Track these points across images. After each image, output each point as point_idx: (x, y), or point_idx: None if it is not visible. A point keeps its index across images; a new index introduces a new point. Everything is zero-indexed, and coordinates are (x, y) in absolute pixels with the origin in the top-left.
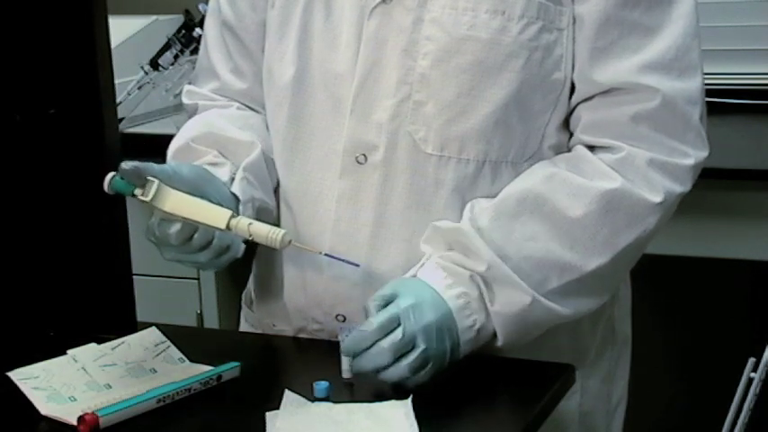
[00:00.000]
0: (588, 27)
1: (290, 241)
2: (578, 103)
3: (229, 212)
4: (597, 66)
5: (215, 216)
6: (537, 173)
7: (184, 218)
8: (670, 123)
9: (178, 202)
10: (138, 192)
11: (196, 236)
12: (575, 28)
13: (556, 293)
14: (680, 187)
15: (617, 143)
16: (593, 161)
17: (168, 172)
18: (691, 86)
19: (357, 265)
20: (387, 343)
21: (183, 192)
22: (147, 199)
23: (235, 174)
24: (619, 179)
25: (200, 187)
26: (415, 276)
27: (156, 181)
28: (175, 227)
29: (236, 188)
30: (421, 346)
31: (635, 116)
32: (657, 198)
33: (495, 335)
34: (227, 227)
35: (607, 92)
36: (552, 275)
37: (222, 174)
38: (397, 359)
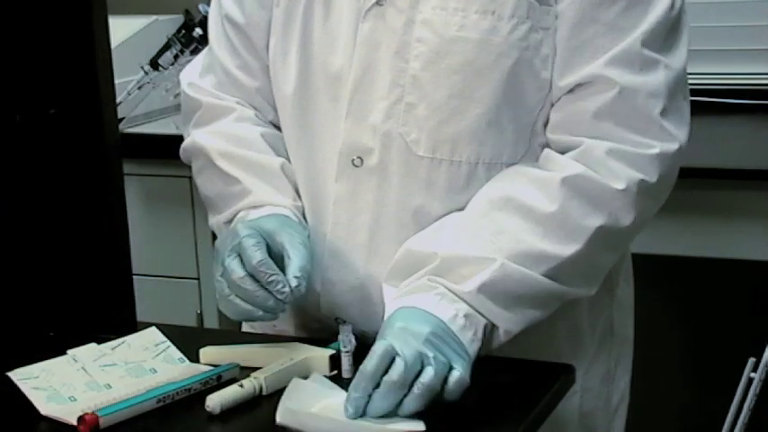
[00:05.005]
0: (564, 25)
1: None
2: (551, 105)
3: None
4: (568, 65)
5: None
6: (502, 175)
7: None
8: (631, 116)
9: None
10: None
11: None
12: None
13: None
14: (641, 175)
15: (577, 139)
16: (558, 159)
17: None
18: (653, 80)
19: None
20: (395, 374)
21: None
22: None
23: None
24: (581, 167)
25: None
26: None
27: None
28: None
29: None
30: (429, 362)
31: (597, 112)
32: (619, 185)
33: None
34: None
35: (571, 90)
36: (531, 266)
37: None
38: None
